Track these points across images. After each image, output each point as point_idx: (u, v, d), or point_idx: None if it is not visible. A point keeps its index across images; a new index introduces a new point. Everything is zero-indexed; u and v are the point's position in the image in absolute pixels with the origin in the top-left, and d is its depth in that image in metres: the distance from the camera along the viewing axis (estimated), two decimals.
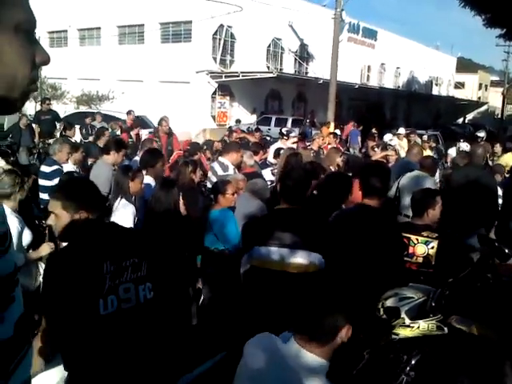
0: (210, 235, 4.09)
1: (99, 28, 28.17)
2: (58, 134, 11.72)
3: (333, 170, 6.20)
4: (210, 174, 5.78)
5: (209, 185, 5.59)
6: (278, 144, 10.16)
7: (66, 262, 1.99)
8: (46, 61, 0.90)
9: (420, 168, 5.80)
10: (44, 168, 5.69)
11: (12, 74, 0.83)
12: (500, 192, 5.89)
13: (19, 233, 3.35)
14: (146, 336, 2.09)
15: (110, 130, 10.35)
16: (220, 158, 5.89)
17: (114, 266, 2.03)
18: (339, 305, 1.72)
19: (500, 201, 5.85)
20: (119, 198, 4.09)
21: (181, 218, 3.90)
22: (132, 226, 4.01)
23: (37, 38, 0.89)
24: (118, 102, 23.76)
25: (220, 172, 5.58)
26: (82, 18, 26.92)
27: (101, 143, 7.78)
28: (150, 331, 2.12)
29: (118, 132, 11.30)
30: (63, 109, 20.96)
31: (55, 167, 5.54)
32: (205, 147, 9.22)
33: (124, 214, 3.96)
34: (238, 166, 5.83)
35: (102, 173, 5.06)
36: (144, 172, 4.60)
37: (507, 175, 6.56)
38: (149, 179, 4.74)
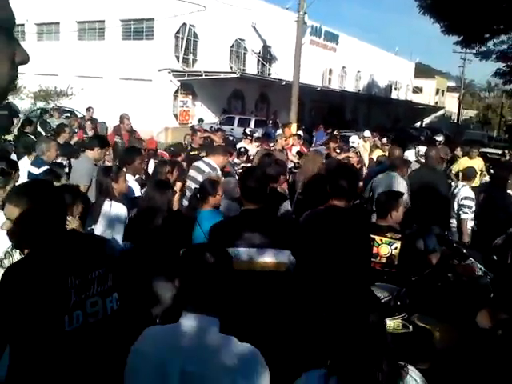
0: (199, 234, 4.02)
1: (58, 23, 27.43)
2: (15, 130, 11.35)
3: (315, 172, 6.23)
4: (193, 172, 5.55)
5: (191, 184, 5.40)
6: (242, 144, 10.20)
7: (27, 276, 1.79)
8: (26, 60, 0.89)
9: (390, 168, 5.95)
10: (33, 169, 5.38)
11: None
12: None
13: None
14: (111, 348, 1.95)
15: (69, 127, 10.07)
16: (205, 159, 5.74)
17: (79, 280, 1.89)
18: None
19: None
20: (108, 201, 4.02)
21: (174, 218, 3.89)
22: (122, 226, 3.97)
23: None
24: (77, 99, 23.19)
25: (207, 170, 5.39)
26: (41, 13, 26.13)
27: (60, 140, 7.58)
28: (116, 342, 1.98)
29: (76, 129, 11.01)
30: (20, 104, 20.29)
31: (45, 167, 5.26)
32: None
33: (118, 217, 3.95)
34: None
35: (83, 166, 5.01)
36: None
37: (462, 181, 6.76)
38: (128, 177, 4.69)
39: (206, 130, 12.71)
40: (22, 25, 27.73)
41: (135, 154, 5.09)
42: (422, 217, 5.17)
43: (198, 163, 5.66)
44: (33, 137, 8.20)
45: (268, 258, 2.77)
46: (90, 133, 10.44)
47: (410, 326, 2.54)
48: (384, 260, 3.66)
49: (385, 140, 11.64)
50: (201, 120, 21.91)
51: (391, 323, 2.46)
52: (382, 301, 2.45)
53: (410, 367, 1.68)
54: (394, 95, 47.15)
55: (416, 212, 5.32)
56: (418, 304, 3.08)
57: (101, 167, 4.63)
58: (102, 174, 4.23)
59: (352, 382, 1.59)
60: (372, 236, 3.63)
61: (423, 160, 7.78)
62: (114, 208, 4.03)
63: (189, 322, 1.71)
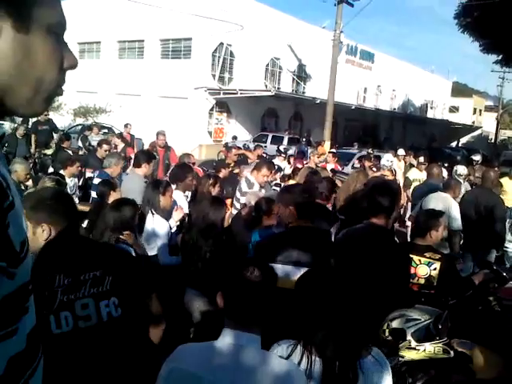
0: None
1: (99, 42, 28.37)
2: (53, 145, 11.71)
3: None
4: (237, 190, 5.84)
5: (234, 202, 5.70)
6: (276, 161, 10.21)
7: None
8: (74, 65, 0.89)
9: (443, 189, 5.88)
10: (96, 181, 5.56)
11: (40, 75, 0.82)
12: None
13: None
14: (110, 358, 1.85)
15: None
16: (247, 176, 5.93)
17: (69, 280, 1.83)
18: None
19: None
20: (151, 214, 4.08)
21: (227, 235, 3.92)
22: (166, 241, 4.00)
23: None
24: (115, 116, 23.80)
25: (245, 189, 5.60)
26: (83, 32, 27.10)
27: (99, 155, 7.77)
28: (116, 353, 1.87)
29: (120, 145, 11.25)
30: (60, 120, 20.96)
31: (100, 179, 5.41)
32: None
33: (160, 231, 3.99)
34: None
35: (135, 186, 4.98)
36: (173, 186, 4.62)
37: None
38: (178, 193, 4.77)
39: (239, 147, 12.82)
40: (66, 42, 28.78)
41: (187, 171, 5.13)
42: (477, 240, 5.06)
43: (241, 180, 5.89)
44: (70, 152, 8.42)
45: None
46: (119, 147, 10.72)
47: (452, 352, 2.44)
48: (422, 281, 3.55)
49: (421, 159, 11.44)
50: (234, 137, 22.10)
51: (432, 348, 2.37)
52: (423, 324, 2.36)
53: (376, 350, 1.80)
54: (429, 114, 46.45)
55: (469, 235, 5.23)
56: (459, 328, 2.97)
57: (151, 181, 4.68)
58: (151, 188, 4.29)
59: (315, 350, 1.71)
60: (410, 256, 3.54)
61: (460, 179, 7.62)
62: (157, 222, 4.07)
63: (229, 340, 1.66)
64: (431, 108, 47.88)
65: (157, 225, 4.06)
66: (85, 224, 4.16)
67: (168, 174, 6.18)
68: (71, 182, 6.25)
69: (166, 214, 4.31)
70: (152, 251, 3.96)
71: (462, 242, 5.72)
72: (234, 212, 5.31)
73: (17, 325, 0.84)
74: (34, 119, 12.49)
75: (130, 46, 27.16)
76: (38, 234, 1.91)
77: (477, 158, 12.03)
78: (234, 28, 22.87)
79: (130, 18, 24.77)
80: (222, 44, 24.15)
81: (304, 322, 1.83)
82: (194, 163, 7.84)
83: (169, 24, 23.26)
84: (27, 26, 0.79)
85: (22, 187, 5.29)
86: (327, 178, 6.03)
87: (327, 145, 18.46)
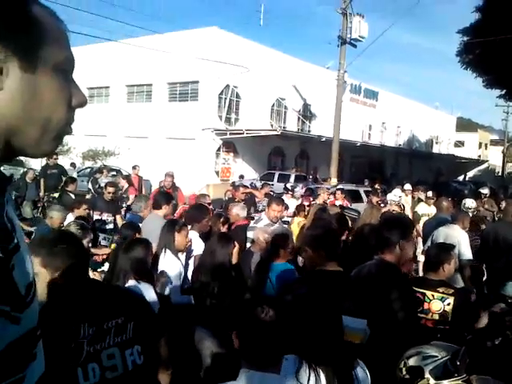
0: (268, 287, 3.99)
1: (108, 87, 29.10)
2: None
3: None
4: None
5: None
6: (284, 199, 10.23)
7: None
8: (83, 102, 0.88)
9: (453, 221, 5.89)
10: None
11: (47, 115, 0.81)
12: None
13: None
14: None
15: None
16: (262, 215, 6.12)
17: (93, 329, 1.78)
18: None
19: None
20: (163, 253, 4.10)
21: (236, 271, 3.93)
22: (179, 281, 4.01)
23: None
24: (124, 158, 24.13)
25: (252, 224, 5.83)
26: (92, 77, 27.86)
27: (106, 197, 7.83)
28: None
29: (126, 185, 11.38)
30: (69, 164, 21.26)
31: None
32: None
33: (172, 270, 3.99)
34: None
35: (155, 227, 4.96)
36: (189, 227, 4.66)
37: None
38: (194, 234, 4.79)
39: (246, 186, 12.90)
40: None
41: (204, 213, 5.18)
42: (497, 273, 5.01)
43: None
44: (72, 195, 8.49)
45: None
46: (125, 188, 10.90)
47: None
48: (437, 316, 3.48)
49: (430, 193, 11.42)
50: (241, 176, 22.26)
51: None
52: (441, 361, 2.31)
53: (359, 361, 2.02)
54: (435, 149, 46.69)
55: (489, 267, 5.18)
56: (477, 364, 2.88)
57: (168, 221, 4.70)
58: (167, 227, 4.32)
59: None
60: (422, 291, 3.48)
61: (469, 213, 7.59)
62: (169, 260, 4.08)
63: (246, 381, 1.62)
64: (436, 143, 48.17)
65: (169, 263, 4.06)
66: (106, 267, 4.17)
67: (184, 215, 6.21)
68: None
69: (178, 254, 4.32)
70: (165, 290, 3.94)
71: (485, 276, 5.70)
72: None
73: (24, 372, 0.81)
74: (44, 163, 12.68)
75: (139, 90, 27.82)
76: (55, 280, 1.82)
77: (485, 191, 12.00)
78: (240, 70, 23.42)
79: (138, 63, 25.47)
80: (228, 86, 24.68)
81: (302, 339, 1.88)
82: (209, 203, 7.92)
83: (176, 68, 23.87)
84: (34, 66, 0.78)
85: None
86: (338, 214, 6.04)
87: (334, 181, 18.54)
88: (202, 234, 5.02)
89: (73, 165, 20.08)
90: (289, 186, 12.19)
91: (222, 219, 5.32)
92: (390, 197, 10.91)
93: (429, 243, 5.82)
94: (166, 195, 6.16)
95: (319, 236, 3.03)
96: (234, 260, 4.07)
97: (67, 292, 1.82)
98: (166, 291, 3.93)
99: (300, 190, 14.01)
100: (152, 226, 5.06)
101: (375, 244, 3.11)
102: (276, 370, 1.66)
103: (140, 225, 5.30)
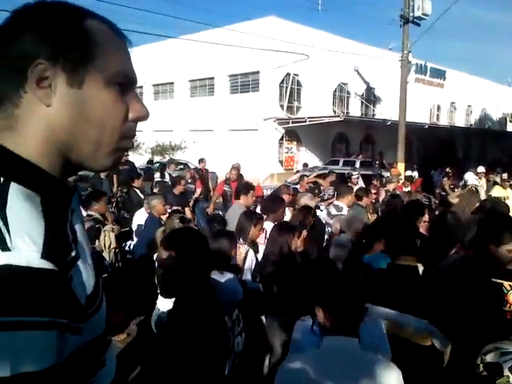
0: None
1: (172, 83, 29.86)
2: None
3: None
4: (324, 215, 6.31)
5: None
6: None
7: (204, 325, 1.78)
8: (142, 117, 0.86)
9: None
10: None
11: (98, 130, 0.79)
12: None
13: None
14: None
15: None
16: (335, 202, 6.50)
17: (230, 321, 1.97)
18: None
19: None
20: (238, 241, 4.20)
21: (294, 260, 3.95)
22: (250, 270, 4.12)
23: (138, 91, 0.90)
24: (190, 152, 24.74)
25: (334, 212, 6.07)
26: (156, 75, 28.67)
27: (176, 191, 8.09)
28: None
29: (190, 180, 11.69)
30: (139, 159, 22.10)
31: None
32: None
33: (246, 259, 4.11)
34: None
35: (235, 215, 5.20)
36: (264, 217, 4.83)
37: None
38: (269, 224, 4.88)
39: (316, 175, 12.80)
40: (141, 86, 30.60)
41: (280, 204, 5.30)
42: None
43: (329, 206, 6.42)
44: (138, 191, 8.78)
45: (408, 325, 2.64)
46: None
47: None
48: None
49: (505, 175, 10.83)
50: (305, 165, 22.12)
51: None
52: None
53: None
54: (509, 128, 43.98)
55: None
56: None
57: (245, 211, 4.84)
58: (244, 218, 4.44)
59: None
60: (500, 281, 3.33)
61: None
62: (242, 250, 4.16)
63: (334, 344, 1.87)
64: (510, 121, 45.35)
65: (243, 253, 4.16)
66: None
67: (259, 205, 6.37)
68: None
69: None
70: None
71: None
72: None
73: (92, 379, 0.82)
74: None
75: (201, 84, 28.33)
76: (184, 275, 1.92)
77: None
78: (300, 58, 23.21)
79: (199, 58, 25.91)
80: (288, 74, 24.55)
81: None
82: (262, 195, 7.99)
83: (236, 60, 24.05)
84: (81, 81, 0.77)
85: (162, 222, 5.62)
86: (416, 201, 5.92)
87: (401, 166, 18.00)
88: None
89: (150, 162, 20.71)
90: (354, 174, 11.91)
91: (311, 212, 5.32)
92: (471, 181, 10.44)
93: None
94: (246, 185, 6.32)
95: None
96: (298, 247, 4.06)
97: (199, 289, 1.93)
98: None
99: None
100: (233, 215, 5.29)
101: (463, 238, 2.95)
102: (355, 335, 1.88)
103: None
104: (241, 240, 4.22)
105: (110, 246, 5.37)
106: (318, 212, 6.53)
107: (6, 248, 0.65)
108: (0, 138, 0.76)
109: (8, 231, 0.67)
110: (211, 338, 1.75)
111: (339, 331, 1.88)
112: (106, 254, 5.24)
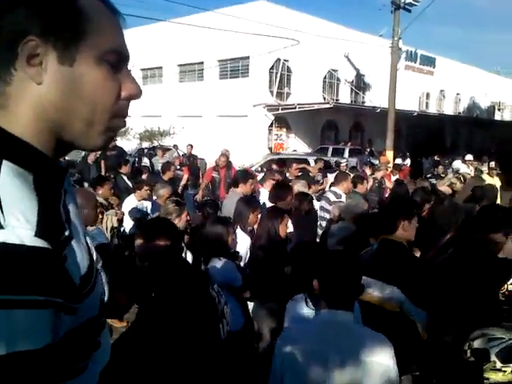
0: None
1: (161, 67, 29.53)
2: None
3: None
4: (323, 202, 6.27)
5: (323, 214, 6.11)
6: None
7: (192, 296, 2.12)
8: (134, 95, 0.85)
9: None
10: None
11: (89, 108, 0.78)
12: None
13: None
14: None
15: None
16: (333, 188, 6.52)
17: (215, 291, 2.20)
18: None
19: None
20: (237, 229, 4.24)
21: (281, 242, 4.01)
22: (247, 255, 4.14)
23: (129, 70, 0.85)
24: (179, 137, 24.56)
25: (333, 199, 6.09)
26: (145, 59, 28.33)
27: (166, 177, 8.03)
28: None
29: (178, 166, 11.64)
30: (127, 144, 21.92)
31: None
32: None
33: (241, 245, 4.13)
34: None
35: (232, 203, 5.20)
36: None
37: None
38: None
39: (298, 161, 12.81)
40: (129, 71, 30.19)
41: (288, 191, 5.27)
42: None
43: (327, 194, 6.40)
44: (125, 178, 8.69)
45: (375, 292, 2.71)
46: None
47: None
48: (501, 297, 3.34)
49: (492, 164, 10.89)
50: (294, 151, 22.13)
51: None
52: (508, 343, 2.23)
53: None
54: (497, 116, 44.27)
55: None
56: None
57: (242, 198, 4.83)
58: (242, 204, 4.45)
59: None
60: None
61: None
62: (239, 237, 4.18)
63: (328, 317, 1.97)
64: (499, 110, 45.65)
65: (239, 239, 4.17)
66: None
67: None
68: (142, 206, 6.49)
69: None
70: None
71: None
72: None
73: (87, 361, 0.81)
74: None
75: (190, 69, 28.07)
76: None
77: None
78: (290, 43, 23.05)
79: (189, 42, 25.62)
80: (278, 60, 24.39)
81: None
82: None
83: (226, 45, 23.83)
84: (72, 58, 0.76)
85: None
86: (425, 188, 6.03)
87: (390, 154, 18.05)
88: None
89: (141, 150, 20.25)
90: (343, 161, 11.94)
91: (308, 198, 5.39)
92: (463, 169, 10.48)
93: None
94: (245, 173, 6.28)
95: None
96: (283, 232, 4.06)
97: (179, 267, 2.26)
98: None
99: (355, 164, 13.74)
100: (230, 203, 5.28)
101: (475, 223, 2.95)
102: (350, 308, 1.98)
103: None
104: (238, 228, 4.21)
105: (111, 229, 5.49)
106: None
107: None
108: None
109: (1, 209, 0.66)
110: (198, 303, 2.05)
111: (335, 305, 1.96)
112: (108, 235, 5.30)
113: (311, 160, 12.64)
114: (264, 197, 6.03)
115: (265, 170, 10.78)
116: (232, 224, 3.68)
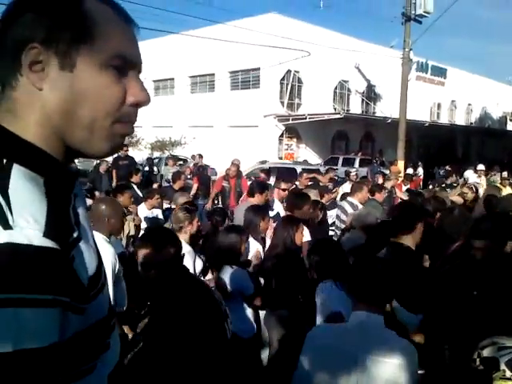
0: None
1: (173, 79, 29.83)
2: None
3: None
4: (339, 212, 6.29)
5: (338, 223, 6.18)
6: (346, 185, 10.01)
7: (201, 301, 2.24)
8: (141, 101, 0.83)
9: None
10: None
11: (91, 114, 0.78)
12: None
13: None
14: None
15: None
16: (349, 198, 6.46)
17: (216, 293, 2.34)
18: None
19: None
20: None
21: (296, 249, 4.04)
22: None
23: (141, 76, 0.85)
24: (190, 147, 24.71)
25: (350, 210, 6.06)
26: (157, 70, 28.64)
27: (176, 187, 8.09)
28: None
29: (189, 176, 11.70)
30: (139, 154, 22.08)
31: None
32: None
33: (251, 252, 4.15)
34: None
35: (243, 212, 5.20)
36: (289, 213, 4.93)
37: None
38: None
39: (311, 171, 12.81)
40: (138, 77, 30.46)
41: (306, 200, 5.20)
42: None
43: (343, 203, 6.40)
44: (135, 187, 8.71)
45: None
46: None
47: None
48: None
49: (505, 174, 10.84)
50: (305, 161, 22.13)
51: None
52: None
53: None
54: (510, 127, 43.93)
55: None
56: None
57: (250, 206, 4.78)
58: (252, 213, 4.44)
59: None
60: None
61: None
62: (251, 245, 4.20)
63: (359, 319, 2.02)
64: (511, 120, 45.31)
65: (250, 247, 4.19)
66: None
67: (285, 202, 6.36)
68: (153, 214, 6.54)
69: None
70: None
71: None
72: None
73: (95, 362, 0.81)
74: (115, 155, 13.20)
75: (202, 80, 28.32)
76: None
77: None
78: (301, 55, 23.17)
79: (200, 54, 25.87)
80: (289, 71, 24.52)
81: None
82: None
83: (237, 56, 24.02)
84: (72, 64, 0.75)
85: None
86: (437, 197, 6.08)
87: (400, 164, 17.97)
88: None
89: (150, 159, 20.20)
90: (352, 170, 11.89)
91: (319, 206, 5.38)
92: (472, 179, 10.42)
93: None
94: (261, 184, 6.24)
95: None
96: (299, 241, 4.08)
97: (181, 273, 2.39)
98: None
99: (366, 174, 13.71)
100: (241, 212, 5.20)
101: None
102: (380, 312, 2.03)
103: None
104: (250, 237, 4.21)
105: (128, 234, 5.59)
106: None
107: (8, 226, 0.65)
108: (2, 120, 0.77)
109: (10, 210, 0.67)
110: (205, 305, 2.17)
111: (365, 307, 2.01)
112: (124, 242, 5.42)
113: (299, 168, 12.65)
114: (277, 206, 6.03)
115: (252, 178, 10.81)
116: (245, 232, 3.71)
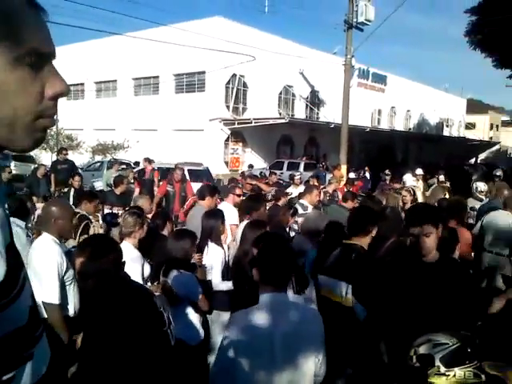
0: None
1: (115, 80, 29.13)
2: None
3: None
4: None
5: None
6: (290, 189, 10.20)
7: (143, 303, 2.26)
8: (60, 92, 0.80)
9: (504, 208, 5.86)
10: None
11: (9, 111, 0.75)
12: None
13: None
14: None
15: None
16: (300, 200, 6.79)
17: (160, 302, 2.32)
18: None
19: None
20: (209, 242, 4.21)
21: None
22: (220, 267, 4.14)
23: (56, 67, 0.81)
24: (133, 151, 24.22)
25: (301, 211, 6.22)
26: (99, 72, 27.90)
27: (118, 191, 7.88)
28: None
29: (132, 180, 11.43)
30: (80, 158, 21.42)
31: None
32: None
33: (215, 258, 4.12)
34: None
35: (197, 216, 5.15)
36: (247, 216, 5.00)
37: None
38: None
39: (255, 176, 12.87)
40: (82, 84, 29.63)
41: (261, 202, 5.37)
42: None
43: (296, 206, 6.52)
44: (71, 191, 8.43)
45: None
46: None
47: (483, 376, 2.35)
48: None
49: (442, 177, 11.32)
50: (251, 166, 22.22)
51: (461, 372, 2.27)
52: (451, 348, 2.29)
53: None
54: (446, 132, 46.21)
55: None
56: (488, 350, 2.86)
57: (208, 211, 4.75)
58: (209, 217, 4.40)
59: None
60: None
61: (481, 196, 7.52)
62: (212, 249, 4.18)
63: (270, 299, 2.18)
64: (447, 126, 47.66)
65: (212, 252, 4.17)
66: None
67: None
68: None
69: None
70: (208, 276, 4.07)
71: None
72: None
73: (13, 373, 0.79)
74: (54, 159, 12.71)
75: (145, 83, 27.83)
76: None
77: (498, 173, 11.82)
78: (246, 59, 23.29)
79: (144, 56, 25.45)
80: (234, 75, 24.58)
81: None
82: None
83: (182, 59, 23.81)
84: None
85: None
86: (375, 198, 6.42)
87: (344, 168, 18.42)
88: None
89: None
90: (297, 175, 12.05)
91: (291, 211, 5.41)
92: (409, 182, 10.80)
93: (478, 227, 5.92)
94: (211, 187, 6.27)
95: None
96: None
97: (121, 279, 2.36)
98: (208, 277, 4.01)
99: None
100: (196, 216, 5.23)
101: None
102: (284, 290, 2.24)
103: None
104: (211, 242, 4.21)
105: None
106: None
107: None
108: None
109: None
110: (146, 312, 2.18)
111: (271, 288, 2.18)
112: None
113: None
114: (226, 210, 5.97)
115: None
116: (195, 237, 3.66)
